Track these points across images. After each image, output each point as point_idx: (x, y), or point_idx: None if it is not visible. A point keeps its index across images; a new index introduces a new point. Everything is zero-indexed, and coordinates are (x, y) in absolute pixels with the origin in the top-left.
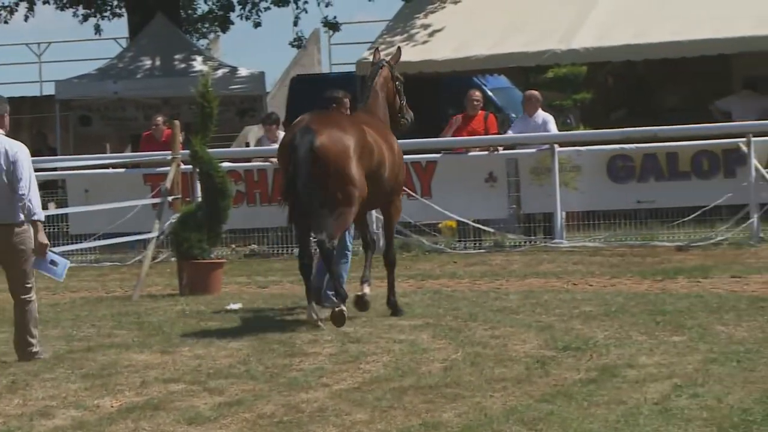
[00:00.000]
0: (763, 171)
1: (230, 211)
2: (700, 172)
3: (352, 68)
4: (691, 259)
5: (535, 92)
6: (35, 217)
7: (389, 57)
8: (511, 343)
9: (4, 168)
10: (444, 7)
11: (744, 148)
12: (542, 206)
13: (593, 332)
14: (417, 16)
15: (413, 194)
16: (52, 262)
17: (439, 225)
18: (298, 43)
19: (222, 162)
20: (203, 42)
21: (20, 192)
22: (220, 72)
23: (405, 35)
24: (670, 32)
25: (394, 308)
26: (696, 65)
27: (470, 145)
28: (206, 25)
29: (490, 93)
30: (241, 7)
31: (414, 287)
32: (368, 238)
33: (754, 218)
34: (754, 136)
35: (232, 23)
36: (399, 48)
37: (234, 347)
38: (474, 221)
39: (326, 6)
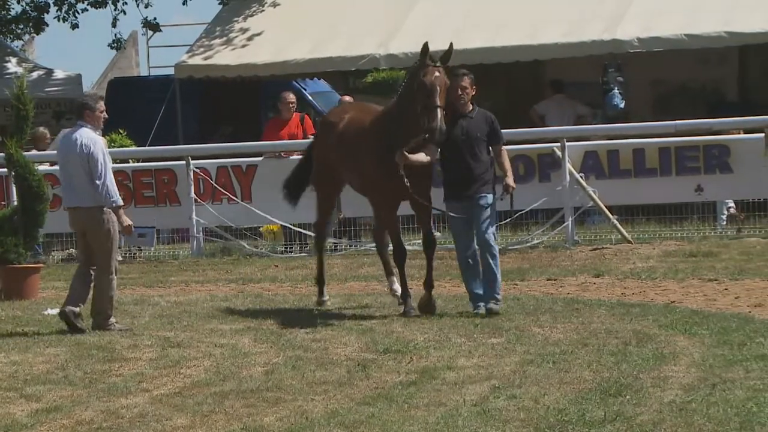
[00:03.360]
0: (577, 175)
1: (47, 215)
2: (516, 177)
3: (170, 71)
4: (508, 262)
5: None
6: (114, 204)
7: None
8: (332, 347)
9: (80, 159)
10: (263, 11)
11: (558, 153)
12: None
13: (413, 335)
14: (236, 19)
15: (234, 198)
16: (141, 235)
17: (261, 229)
18: (117, 45)
19: (38, 165)
20: (18, 43)
21: (96, 180)
22: (35, 74)
23: (224, 39)
24: (486, 38)
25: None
26: (511, 71)
27: (290, 149)
28: (20, 26)
29: (309, 97)
30: (57, 8)
31: (235, 291)
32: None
33: (569, 221)
34: (568, 141)
35: (47, 25)
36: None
37: (51, 353)
38: (296, 225)
39: (146, 7)
